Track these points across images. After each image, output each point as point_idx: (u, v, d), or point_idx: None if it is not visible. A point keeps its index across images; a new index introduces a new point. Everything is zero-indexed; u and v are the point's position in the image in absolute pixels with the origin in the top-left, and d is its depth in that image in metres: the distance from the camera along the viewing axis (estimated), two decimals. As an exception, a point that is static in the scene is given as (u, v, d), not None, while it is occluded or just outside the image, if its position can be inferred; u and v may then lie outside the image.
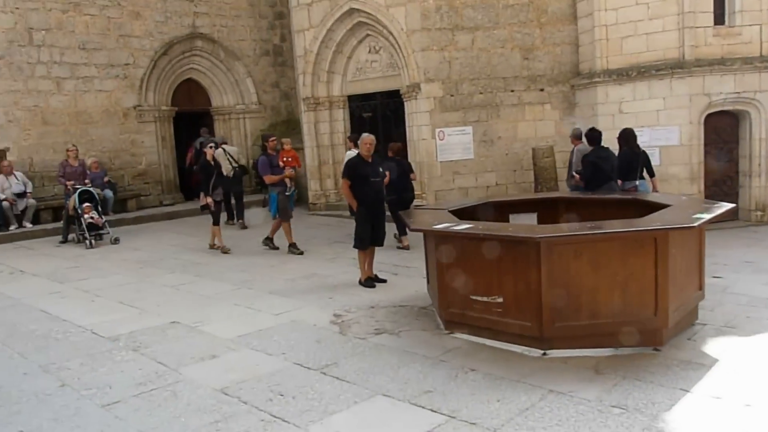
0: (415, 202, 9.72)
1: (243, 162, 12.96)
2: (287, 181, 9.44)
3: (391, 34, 12.16)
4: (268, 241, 9.58)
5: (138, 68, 13.82)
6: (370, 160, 7.15)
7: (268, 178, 9.24)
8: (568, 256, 4.48)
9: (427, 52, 11.69)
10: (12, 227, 11.73)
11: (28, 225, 11.97)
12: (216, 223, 9.73)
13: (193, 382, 4.46)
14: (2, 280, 8.17)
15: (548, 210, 6.47)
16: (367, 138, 7.12)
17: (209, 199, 9.48)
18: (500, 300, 4.71)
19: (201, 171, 9.72)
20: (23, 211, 11.94)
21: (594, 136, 7.96)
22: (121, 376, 4.64)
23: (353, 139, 11.28)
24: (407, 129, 12.45)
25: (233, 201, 11.97)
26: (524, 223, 5.79)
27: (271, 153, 9.51)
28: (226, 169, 11.29)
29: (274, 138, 9.71)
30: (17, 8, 12.14)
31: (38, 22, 12.41)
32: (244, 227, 11.93)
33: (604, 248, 4.51)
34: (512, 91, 11.97)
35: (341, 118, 13.68)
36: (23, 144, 12.38)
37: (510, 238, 4.61)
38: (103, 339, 5.55)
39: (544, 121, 12.10)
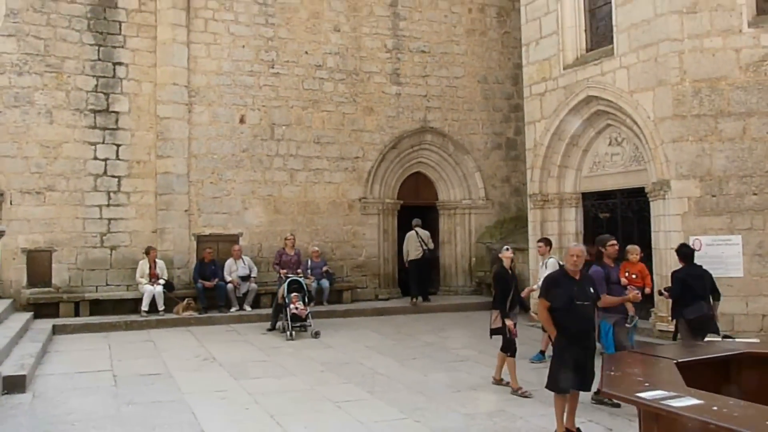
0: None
1: (432, 246, 13.73)
2: (629, 306, 7.09)
3: (635, 123, 10.34)
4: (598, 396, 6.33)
5: (366, 161, 13.95)
6: (577, 277, 5.51)
7: (605, 300, 6.39)
8: None
9: (680, 143, 9.59)
10: (233, 309, 12.18)
11: (248, 308, 12.33)
12: (512, 353, 7.13)
13: None
14: (188, 368, 8.06)
15: None
16: (575, 249, 5.53)
17: (510, 323, 7.12)
18: None
19: (496, 282, 7.39)
20: (245, 294, 12.38)
21: (685, 252, 7.53)
22: None
23: (546, 242, 9.54)
24: (652, 234, 10.26)
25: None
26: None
27: (607, 263, 7.32)
28: (415, 251, 13.17)
29: (614, 242, 7.49)
30: (263, 106, 13.13)
31: (280, 119, 13.26)
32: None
33: None
34: (802, 191, 9.15)
35: (572, 217, 11.96)
36: (255, 230, 13.04)
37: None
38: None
39: None
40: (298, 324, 10.46)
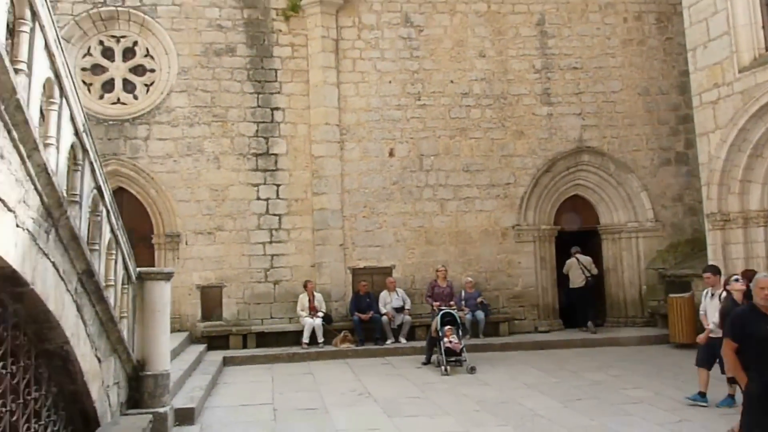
0: None
1: (595, 272, 13.32)
2: None
3: (836, 125, 8.87)
4: None
5: (519, 187, 13.41)
6: None
7: None
8: None
9: None
10: (388, 341, 12.17)
11: (403, 341, 12.26)
12: None
13: None
14: (344, 403, 8.07)
15: None
16: (764, 281, 4.67)
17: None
18: None
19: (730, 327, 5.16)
20: (399, 326, 12.34)
21: None
22: None
23: (715, 270, 8.17)
24: None
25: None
26: None
27: None
28: (578, 279, 13.00)
29: None
30: (411, 138, 13.19)
31: (428, 149, 13.23)
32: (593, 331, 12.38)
33: None
34: None
35: (762, 238, 10.48)
36: (407, 262, 13.01)
37: None
38: None
39: None
40: (452, 358, 10.14)
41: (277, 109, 12.96)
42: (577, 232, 14.11)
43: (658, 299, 13.55)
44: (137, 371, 6.55)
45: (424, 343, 11.94)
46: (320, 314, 12.07)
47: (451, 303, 10.93)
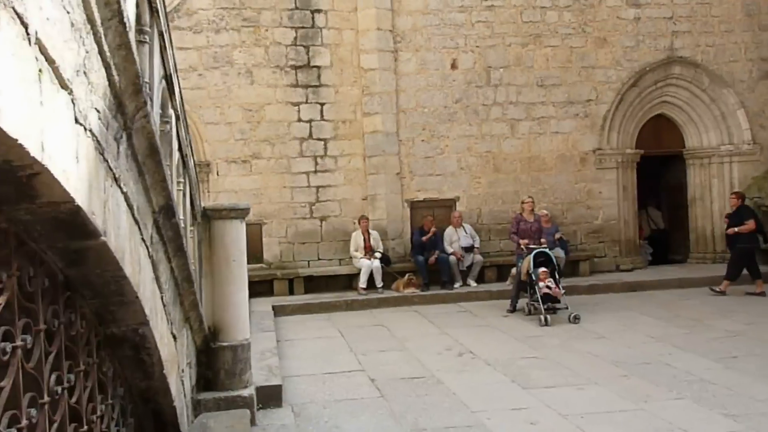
0: None
1: (662, 226, 12.99)
2: None
3: None
4: None
5: (601, 104, 11.51)
6: None
7: None
8: None
9: None
10: (456, 285, 10.57)
11: (473, 284, 10.67)
12: None
13: None
14: (451, 368, 6.45)
15: None
16: None
17: None
18: None
19: None
20: (469, 268, 10.72)
21: None
22: None
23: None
24: None
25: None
26: None
27: None
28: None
29: None
30: (477, 47, 11.15)
31: (496, 60, 11.22)
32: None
33: None
34: None
35: None
36: (473, 193, 11.25)
37: None
38: None
39: None
40: (548, 305, 8.56)
41: (318, 11, 10.80)
42: (661, 157, 12.35)
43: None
44: (208, 342, 4.85)
45: (498, 286, 10.50)
46: (378, 255, 10.40)
47: (542, 240, 9.22)
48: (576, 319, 8.40)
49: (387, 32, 10.87)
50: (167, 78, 3.35)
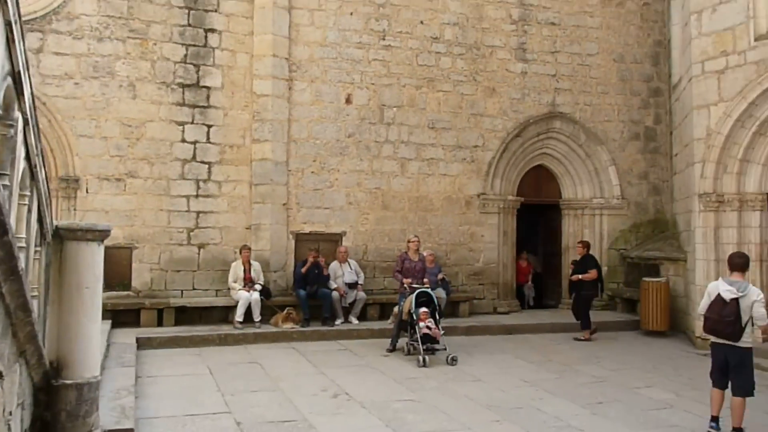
0: None
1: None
2: None
3: None
4: None
5: (487, 151, 11.90)
6: None
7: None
8: None
9: None
10: (338, 321, 10.33)
11: (355, 321, 10.48)
12: None
13: None
14: (325, 411, 6.15)
15: None
16: None
17: None
18: None
19: None
20: (351, 304, 10.52)
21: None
22: None
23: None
24: None
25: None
26: None
27: None
28: None
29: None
30: (372, 84, 11.21)
31: (390, 99, 11.33)
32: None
33: None
34: None
35: (756, 223, 9.71)
36: (360, 229, 11.15)
37: None
38: None
39: None
40: (427, 346, 8.53)
41: (212, 30, 10.43)
42: (537, 206, 12.93)
43: (618, 282, 12.75)
44: (49, 379, 4.26)
45: (379, 325, 10.35)
46: (257, 287, 9.95)
47: (425, 280, 9.23)
48: (453, 361, 8.41)
49: (283, 60, 10.67)
50: (14, 75, 2.92)
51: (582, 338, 10.34)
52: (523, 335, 10.70)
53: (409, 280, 9.10)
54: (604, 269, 12.66)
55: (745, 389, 5.56)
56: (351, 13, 11.11)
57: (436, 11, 11.63)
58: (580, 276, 10.42)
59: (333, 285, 10.35)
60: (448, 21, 11.70)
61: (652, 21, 13.02)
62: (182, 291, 10.17)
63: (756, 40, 9.35)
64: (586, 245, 10.82)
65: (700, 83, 10.18)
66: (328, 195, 10.97)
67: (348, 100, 11.09)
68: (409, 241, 9.49)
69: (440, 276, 10.94)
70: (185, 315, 9.88)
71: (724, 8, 9.81)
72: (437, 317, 8.78)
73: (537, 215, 13.42)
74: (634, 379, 7.93)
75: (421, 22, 11.54)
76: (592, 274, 10.41)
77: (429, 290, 8.99)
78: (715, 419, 5.85)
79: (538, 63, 12.25)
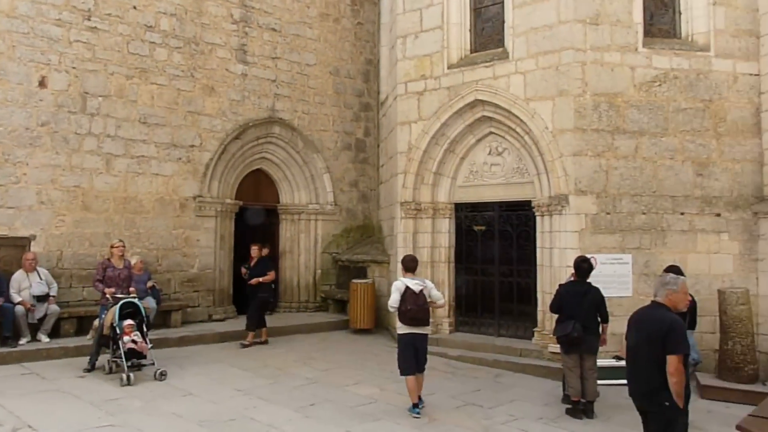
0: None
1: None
2: None
3: (527, 132, 9.75)
4: None
5: (204, 152, 11.42)
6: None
7: None
8: None
9: (579, 158, 9.19)
10: (23, 341, 8.86)
11: (44, 339, 9.09)
12: None
13: None
14: (-2, 451, 5.17)
15: None
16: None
17: None
18: None
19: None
20: (41, 320, 9.10)
21: (579, 266, 7.36)
22: None
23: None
24: (538, 250, 9.77)
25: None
26: None
27: None
28: None
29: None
30: (74, 68, 9.92)
31: (96, 87, 10.16)
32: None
33: None
34: (682, 213, 9.33)
35: (446, 229, 11.02)
36: (54, 233, 9.74)
37: None
38: None
39: (719, 255, 9.37)
40: (132, 361, 7.79)
41: None
42: (257, 210, 12.88)
43: (331, 284, 13.35)
44: None
45: (75, 342, 9.15)
46: None
47: (132, 289, 8.40)
48: (162, 376, 7.82)
49: (-48, 27, 8.79)
50: None
51: (248, 343, 10.10)
52: (239, 341, 10.49)
53: (113, 290, 8.20)
54: (318, 272, 13.19)
55: (424, 365, 6.82)
56: (48, -16, 9.67)
57: (151, -3, 10.79)
58: (261, 279, 10.35)
59: (17, 298, 8.84)
60: (165, 11, 10.95)
61: (364, 40, 13.98)
62: None
63: (448, 68, 10.63)
64: (262, 248, 10.81)
65: (404, 102, 11.21)
66: (13, 192, 9.35)
67: (42, 84, 9.61)
68: (112, 246, 8.57)
69: (150, 284, 10.16)
70: None
71: (425, 36, 10.96)
72: (144, 330, 8.08)
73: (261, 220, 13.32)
74: (344, 377, 8.32)
75: (135, 8, 10.58)
76: (270, 275, 10.51)
77: (136, 300, 8.22)
78: (416, 405, 6.53)
79: (259, 67, 12.20)
